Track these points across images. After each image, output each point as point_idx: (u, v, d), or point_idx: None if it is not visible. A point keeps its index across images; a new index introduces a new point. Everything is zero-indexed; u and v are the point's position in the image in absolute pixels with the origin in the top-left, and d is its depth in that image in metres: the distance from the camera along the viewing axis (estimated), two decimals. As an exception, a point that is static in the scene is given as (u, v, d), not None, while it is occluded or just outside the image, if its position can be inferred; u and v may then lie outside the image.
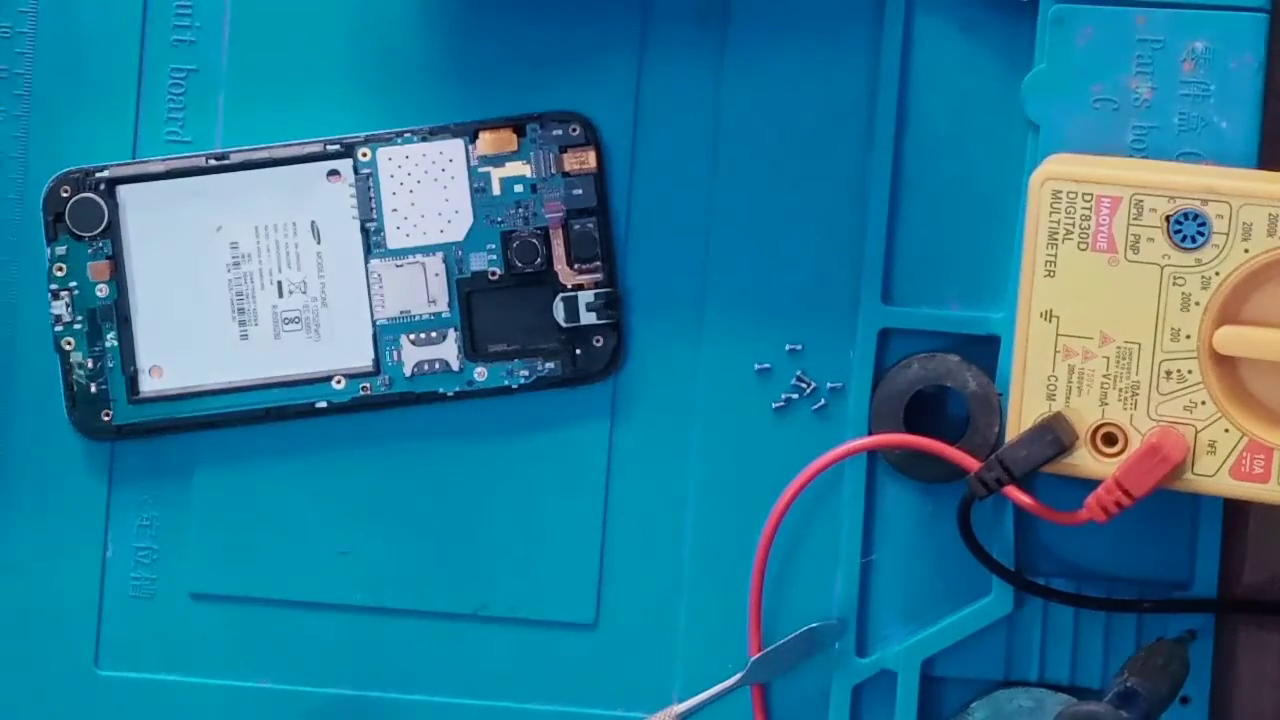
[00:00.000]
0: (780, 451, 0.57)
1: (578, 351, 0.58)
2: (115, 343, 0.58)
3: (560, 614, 0.58)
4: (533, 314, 0.58)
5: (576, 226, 0.57)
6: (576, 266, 0.58)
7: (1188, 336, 0.51)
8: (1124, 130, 0.54)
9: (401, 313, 0.58)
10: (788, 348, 0.58)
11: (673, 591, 0.58)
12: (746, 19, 0.57)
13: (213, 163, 0.58)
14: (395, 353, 0.58)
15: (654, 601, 0.58)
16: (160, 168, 0.58)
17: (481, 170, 0.58)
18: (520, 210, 0.58)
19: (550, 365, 0.58)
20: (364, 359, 0.58)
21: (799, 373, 0.58)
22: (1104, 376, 0.52)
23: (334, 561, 0.59)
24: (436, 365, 0.58)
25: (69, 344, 0.58)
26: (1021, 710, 0.57)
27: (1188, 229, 0.51)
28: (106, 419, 0.58)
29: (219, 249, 0.58)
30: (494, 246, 0.58)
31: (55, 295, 0.58)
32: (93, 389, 0.58)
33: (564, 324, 0.58)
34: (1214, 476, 0.52)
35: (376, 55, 0.58)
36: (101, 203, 0.58)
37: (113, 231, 0.58)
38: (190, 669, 0.59)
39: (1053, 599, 0.57)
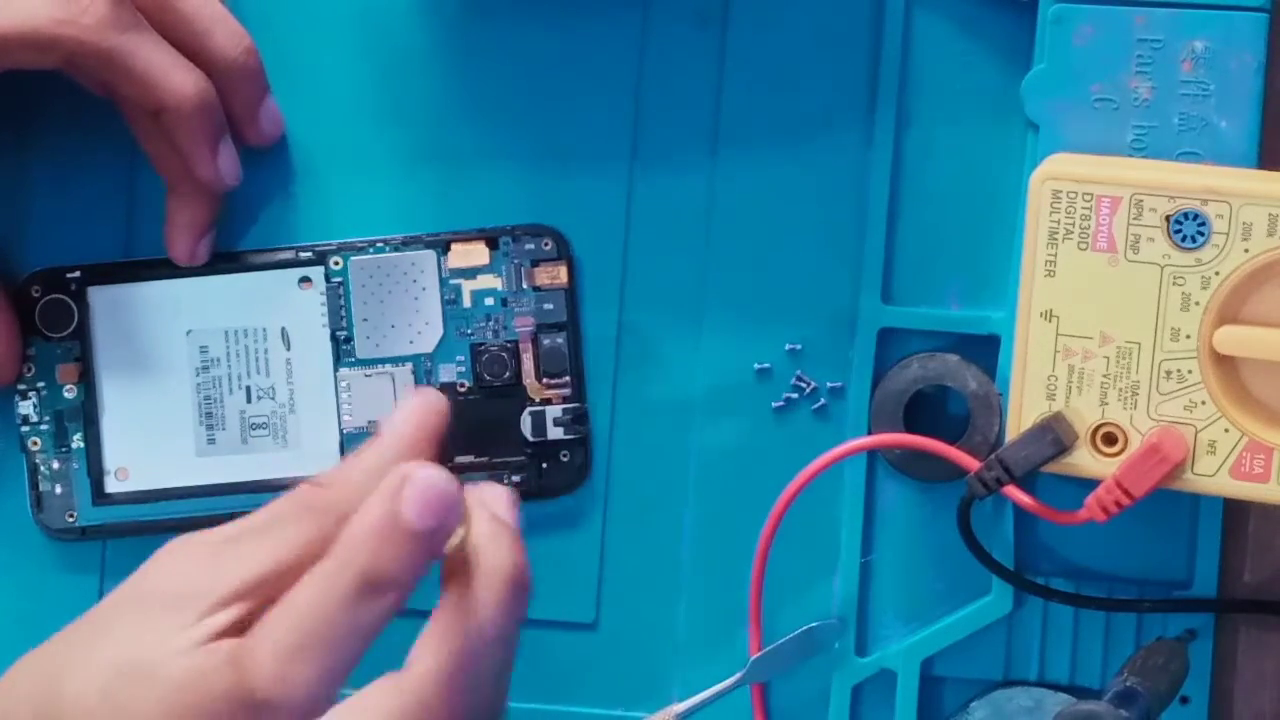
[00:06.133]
0: (780, 451, 0.57)
1: (544, 465, 0.58)
2: (82, 444, 0.58)
3: (560, 614, 0.58)
4: (500, 427, 0.58)
5: (546, 341, 0.58)
6: (545, 381, 0.58)
7: (1188, 336, 0.51)
8: (1124, 130, 0.54)
9: (369, 422, 0.58)
10: (788, 348, 0.58)
11: (673, 591, 0.58)
12: (746, 19, 0.57)
13: (184, 266, 0.57)
14: None
15: (654, 601, 0.58)
16: (130, 270, 0.58)
17: (453, 282, 0.58)
18: (490, 323, 0.58)
19: (516, 478, 0.58)
20: (330, 467, 0.58)
21: (799, 373, 0.58)
22: (1104, 376, 0.52)
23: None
24: None
25: (35, 444, 0.58)
26: (1021, 710, 0.57)
27: (1188, 229, 0.51)
28: (71, 520, 0.58)
29: (188, 352, 0.58)
30: (463, 359, 0.58)
31: (23, 395, 0.58)
32: (58, 490, 0.58)
33: (531, 438, 0.58)
34: (1214, 476, 0.52)
35: (379, 55, 0.58)
36: (71, 304, 0.58)
37: (82, 332, 0.58)
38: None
39: (1053, 599, 0.57)
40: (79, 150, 0.58)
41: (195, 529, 0.58)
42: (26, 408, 0.58)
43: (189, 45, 0.55)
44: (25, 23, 0.52)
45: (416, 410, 0.49)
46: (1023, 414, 0.53)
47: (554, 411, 0.58)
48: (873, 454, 0.58)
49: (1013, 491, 0.53)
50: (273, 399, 0.58)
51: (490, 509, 0.47)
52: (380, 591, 0.44)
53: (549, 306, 0.58)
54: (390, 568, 0.44)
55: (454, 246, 0.58)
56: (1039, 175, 0.52)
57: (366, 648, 0.44)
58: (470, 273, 0.58)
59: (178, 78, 0.54)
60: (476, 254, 0.58)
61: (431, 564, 0.45)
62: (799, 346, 0.58)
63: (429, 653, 0.45)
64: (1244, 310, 0.51)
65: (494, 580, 0.46)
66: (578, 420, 0.58)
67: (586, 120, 0.58)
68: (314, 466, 0.58)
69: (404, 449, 0.48)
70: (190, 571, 0.46)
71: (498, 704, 0.47)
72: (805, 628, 0.57)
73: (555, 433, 0.58)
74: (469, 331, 0.58)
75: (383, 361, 0.58)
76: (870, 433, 0.57)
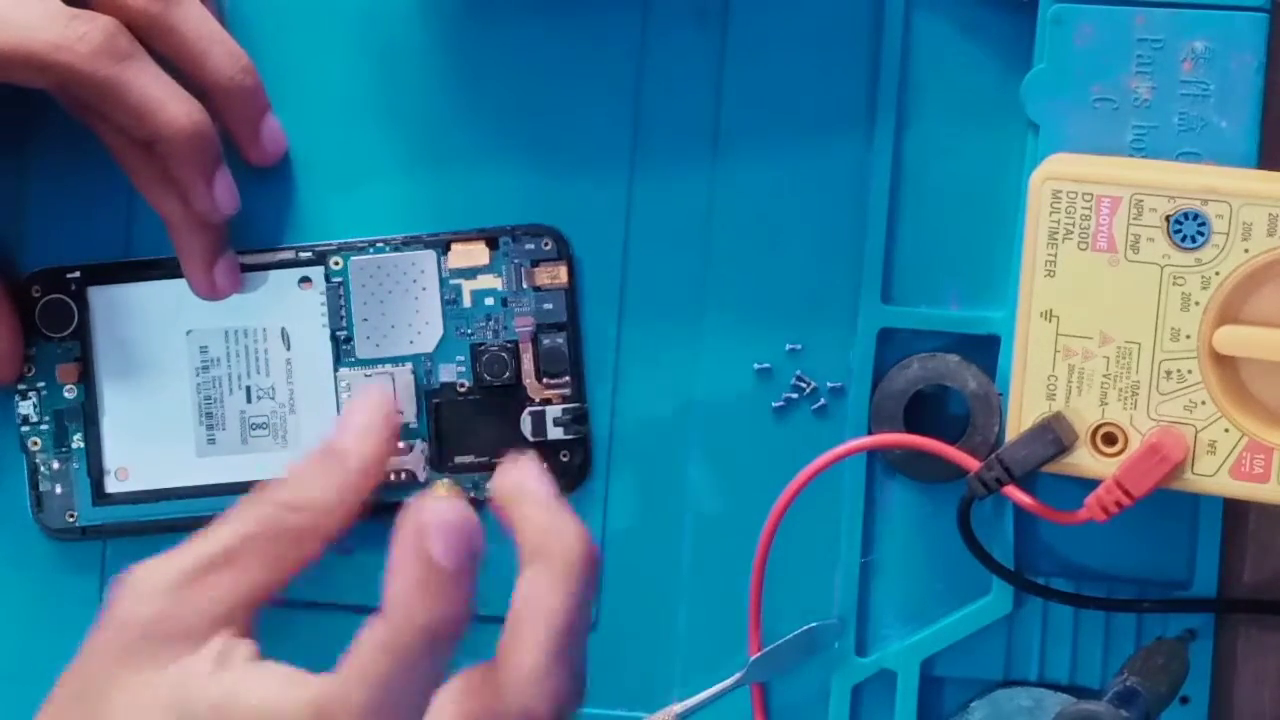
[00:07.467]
0: (780, 451, 0.57)
1: (544, 465, 0.58)
2: (82, 444, 0.58)
3: (560, 614, 0.58)
4: (500, 427, 0.58)
5: (546, 341, 0.58)
6: (545, 381, 0.58)
7: (1188, 336, 0.51)
8: (1124, 130, 0.54)
9: None
10: (788, 348, 0.58)
11: (673, 591, 0.58)
12: (746, 19, 0.57)
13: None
14: None
15: (654, 601, 0.58)
16: (130, 270, 0.58)
17: (453, 282, 0.58)
18: (490, 323, 0.58)
19: None
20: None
21: (799, 373, 0.58)
22: (1104, 376, 0.52)
23: (334, 561, 0.59)
24: (403, 475, 0.58)
25: (35, 444, 0.58)
26: (1021, 710, 0.57)
27: (1188, 229, 0.51)
28: (71, 520, 0.58)
29: (188, 352, 0.58)
30: (463, 359, 0.58)
31: (23, 395, 0.58)
32: (58, 490, 0.58)
33: (531, 438, 0.58)
34: (1214, 476, 0.52)
35: (377, 61, 0.58)
36: (71, 303, 0.58)
37: (82, 332, 0.58)
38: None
39: (1053, 599, 0.57)
40: (79, 150, 0.58)
41: (195, 529, 0.58)
42: (26, 408, 0.58)
43: (186, 66, 0.54)
44: (21, 44, 0.52)
45: (366, 415, 0.52)
46: (1023, 414, 0.53)
47: (554, 411, 0.58)
48: (873, 454, 0.58)
49: (1013, 491, 0.53)
50: (273, 399, 0.58)
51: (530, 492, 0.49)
52: (444, 635, 0.46)
53: (549, 306, 0.58)
54: (446, 612, 0.46)
55: (454, 246, 0.58)
56: (1039, 175, 0.52)
57: (439, 683, 0.47)
58: (470, 273, 0.58)
59: (173, 109, 0.53)
60: (476, 254, 0.58)
61: (475, 588, 0.47)
62: (799, 346, 0.58)
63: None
64: (1244, 310, 0.51)
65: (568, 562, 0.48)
66: (578, 420, 0.58)
67: (586, 120, 0.58)
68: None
69: (361, 461, 0.52)
70: (172, 608, 0.49)
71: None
72: (805, 628, 0.57)
73: (555, 433, 0.58)
74: (469, 331, 0.58)
75: (383, 361, 0.58)
76: (870, 433, 0.57)
